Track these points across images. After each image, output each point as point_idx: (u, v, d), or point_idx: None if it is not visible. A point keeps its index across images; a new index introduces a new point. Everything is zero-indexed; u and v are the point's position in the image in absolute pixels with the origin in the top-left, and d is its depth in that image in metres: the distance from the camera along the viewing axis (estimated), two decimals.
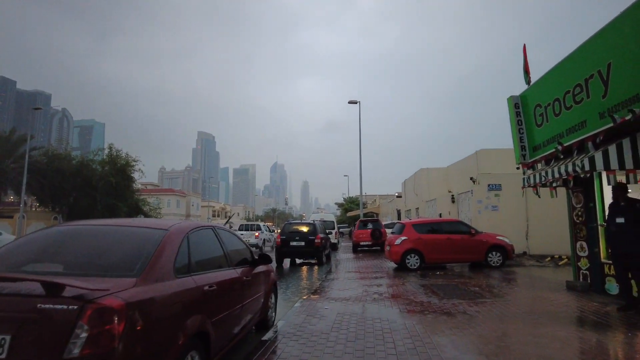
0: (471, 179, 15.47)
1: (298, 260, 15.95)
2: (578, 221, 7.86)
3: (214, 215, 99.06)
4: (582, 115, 6.57)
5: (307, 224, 15.23)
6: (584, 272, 7.71)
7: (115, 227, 3.54)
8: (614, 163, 5.72)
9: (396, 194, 40.95)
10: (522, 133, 8.60)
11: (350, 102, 28.52)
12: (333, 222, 24.39)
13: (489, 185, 15.10)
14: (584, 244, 7.69)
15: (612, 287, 6.96)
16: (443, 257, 12.10)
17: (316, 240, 14.49)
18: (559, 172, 6.66)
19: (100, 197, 33.87)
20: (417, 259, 11.90)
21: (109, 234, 3.40)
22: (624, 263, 6.01)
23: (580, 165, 5.93)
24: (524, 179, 8.08)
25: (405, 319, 5.73)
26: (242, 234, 30.04)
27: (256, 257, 5.12)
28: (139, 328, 2.51)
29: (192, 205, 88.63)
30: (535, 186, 7.81)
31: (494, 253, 12.09)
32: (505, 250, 12.11)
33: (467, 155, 20.54)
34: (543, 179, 7.20)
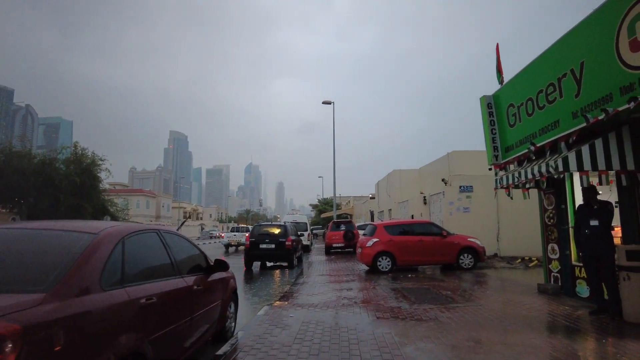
0: (443, 180, 15.40)
1: (269, 263, 15.47)
2: (549, 223, 7.75)
3: (184, 217, 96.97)
4: (555, 115, 6.43)
5: (278, 226, 14.77)
6: (555, 274, 7.60)
7: (35, 231, 3.02)
8: (587, 164, 5.58)
9: (370, 196, 40.96)
10: (495, 133, 8.46)
11: (324, 103, 28.21)
12: (306, 223, 24.02)
13: (460, 186, 15.07)
14: (555, 247, 7.58)
15: (583, 289, 6.85)
16: (415, 259, 11.91)
17: (287, 243, 14.05)
18: (532, 173, 6.49)
19: (64, 197, 32.28)
20: (388, 262, 11.66)
21: (25, 239, 2.88)
22: (596, 266, 5.88)
23: (553, 165, 5.76)
24: (496, 180, 7.92)
25: (374, 328, 5.39)
26: (234, 235, 29.28)
27: (211, 264, 4.66)
28: (44, 355, 2.04)
29: (163, 206, 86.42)
30: (507, 187, 7.65)
31: (465, 255, 11.98)
32: (476, 252, 12.03)
33: (439, 157, 20.57)
34: (516, 180, 7.03)
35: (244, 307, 7.80)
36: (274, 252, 14.05)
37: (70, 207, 32.04)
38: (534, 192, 8.20)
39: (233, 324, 5.52)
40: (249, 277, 12.73)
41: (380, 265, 11.63)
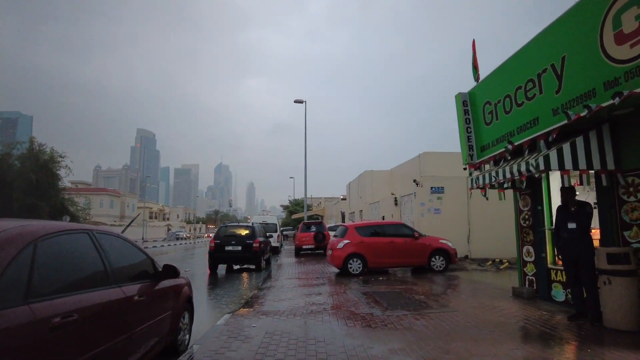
0: (414, 181, 15.20)
1: (235, 266, 14.78)
2: (525, 225, 7.53)
3: (151, 217, 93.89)
4: (534, 112, 6.18)
5: (245, 227, 14.12)
6: (530, 277, 7.39)
7: None
8: (568, 162, 5.32)
9: (341, 197, 40.72)
10: (470, 132, 8.19)
11: (296, 102, 27.71)
12: (275, 224, 23.40)
13: (432, 187, 14.90)
14: (531, 249, 7.36)
15: (559, 293, 6.64)
16: (386, 262, 11.57)
17: (254, 245, 13.43)
18: (511, 172, 6.21)
19: (18, 195, 30.26)
20: (359, 264, 11.27)
21: None
22: (576, 270, 5.64)
23: (534, 164, 5.47)
24: (471, 179, 7.63)
25: (345, 339, 4.92)
26: None
27: (160, 270, 4.06)
28: None
29: (128, 206, 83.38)
30: (483, 187, 7.38)
31: (437, 257, 11.76)
32: (448, 254, 11.83)
33: (410, 158, 20.45)
34: (493, 179, 6.75)
35: (204, 315, 7.18)
36: (241, 254, 13.40)
37: (25, 206, 30.11)
38: (509, 193, 7.99)
39: (187, 336, 4.92)
40: (213, 281, 12.03)
41: (351, 267, 11.23)
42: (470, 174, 8.28)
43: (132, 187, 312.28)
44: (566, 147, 5.34)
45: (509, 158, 7.10)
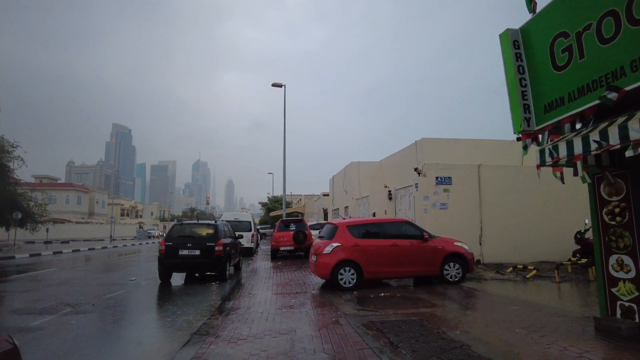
0: (416, 170, 12.56)
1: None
2: (614, 223, 4.92)
3: (122, 214, 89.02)
4: None
5: (206, 225, 11.18)
6: (627, 304, 4.78)
7: None
8: None
9: (322, 194, 37.93)
10: (525, 86, 5.53)
11: (274, 85, 24.80)
12: (249, 222, 20.39)
13: (437, 178, 12.28)
14: (627, 260, 4.76)
15: None
16: (387, 271, 8.89)
17: (216, 248, 10.52)
18: (623, 135, 3.59)
19: None
20: (353, 274, 8.55)
21: None
22: None
23: None
24: (541, 151, 4.97)
25: None
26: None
27: None
28: None
29: (97, 202, 78.68)
30: (558, 165, 4.74)
31: (451, 264, 9.16)
32: (465, 260, 9.26)
33: (405, 146, 17.81)
34: (593, 147, 4.09)
35: None
36: (199, 260, 10.46)
37: None
38: (569, 176, 5.35)
39: None
40: (157, 296, 9.10)
41: (342, 279, 8.50)
42: (525, 147, 5.64)
43: (106, 184, 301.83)
44: None
45: (591, 119, 4.52)
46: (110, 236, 55.30)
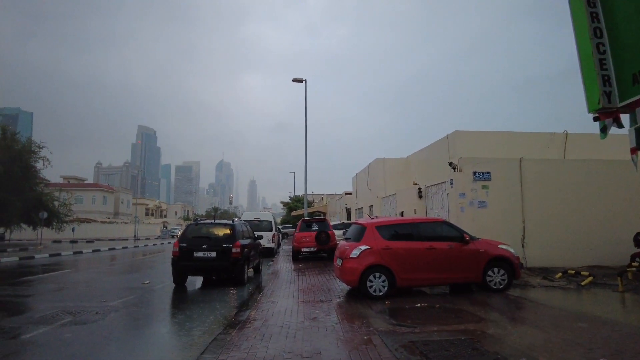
0: (450, 164, 11.45)
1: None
2: None
3: (147, 214, 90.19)
4: None
5: (223, 225, 10.41)
6: None
7: None
8: None
9: (344, 193, 36.90)
10: (604, 52, 4.44)
11: (294, 80, 24.06)
12: (270, 222, 19.64)
13: (474, 173, 11.14)
14: None
15: None
16: (423, 277, 7.87)
17: (234, 250, 9.73)
18: None
19: None
20: (384, 281, 7.58)
21: None
22: None
23: None
24: (638, 129, 3.89)
25: None
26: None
27: None
28: None
29: (122, 202, 79.86)
30: None
31: (495, 270, 8.07)
32: (511, 265, 8.17)
33: (435, 140, 16.62)
34: None
35: None
36: (215, 263, 9.70)
37: None
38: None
39: None
40: (165, 305, 8.37)
41: (371, 286, 7.54)
42: (604, 128, 4.56)
43: (133, 184, 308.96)
44: None
45: None
46: (134, 235, 55.87)
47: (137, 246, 30.81)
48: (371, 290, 7.52)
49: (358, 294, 7.80)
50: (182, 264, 9.73)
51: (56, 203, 33.66)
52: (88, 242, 37.15)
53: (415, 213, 14.34)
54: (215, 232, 10.19)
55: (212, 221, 10.82)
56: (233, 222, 10.67)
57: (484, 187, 11.13)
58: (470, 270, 7.99)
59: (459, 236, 8.10)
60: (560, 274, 9.67)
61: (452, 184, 11.38)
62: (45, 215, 29.88)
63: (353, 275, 7.59)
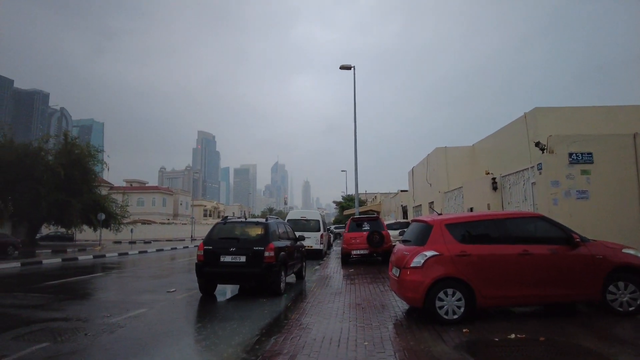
0: (537, 144, 8.98)
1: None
2: None
3: (205, 215, 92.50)
4: None
5: (254, 224, 8.77)
6: None
7: None
8: None
9: (399, 191, 34.31)
10: None
11: (342, 68, 22.16)
12: (318, 221, 17.87)
13: (570, 155, 8.61)
14: None
15: None
16: (514, 295, 5.65)
17: (266, 254, 8.05)
18: None
19: (46, 191, 27.54)
20: (459, 300, 5.48)
21: None
22: None
23: None
24: None
25: None
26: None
27: None
28: None
29: (181, 204, 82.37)
30: None
31: (620, 284, 5.67)
32: None
33: (512, 121, 13.90)
34: None
35: None
36: (245, 269, 8.06)
37: (54, 203, 27.36)
38: None
39: None
40: (177, 323, 6.83)
41: (442, 307, 5.47)
42: None
43: (194, 187, 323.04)
44: None
45: None
46: (191, 236, 56.85)
47: (187, 247, 30.47)
48: (442, 313, 5.46)
49: (423, 318, 5.77)
50: (207, 270, 8.20)
51: (113, 205, 34.44)
52: (146, 242, 37.75)
53: (488, 209, 11.88)
54: (246, 233, 8.58)
55: (243, 219, 9.20)
56: (267, 220, 8.99)
57: (584, 172, 8.56)
58: (583, 285, 5.66)
59: (565, 237, 5.80)
60: None
61: (540, 169, 8.91)
62: (103, 216, 30.46)
63: (416, 291, 5.56)
